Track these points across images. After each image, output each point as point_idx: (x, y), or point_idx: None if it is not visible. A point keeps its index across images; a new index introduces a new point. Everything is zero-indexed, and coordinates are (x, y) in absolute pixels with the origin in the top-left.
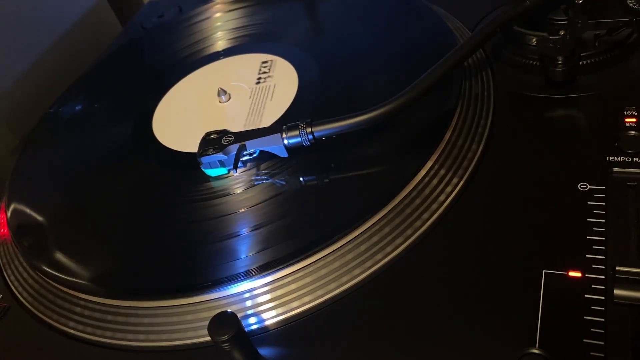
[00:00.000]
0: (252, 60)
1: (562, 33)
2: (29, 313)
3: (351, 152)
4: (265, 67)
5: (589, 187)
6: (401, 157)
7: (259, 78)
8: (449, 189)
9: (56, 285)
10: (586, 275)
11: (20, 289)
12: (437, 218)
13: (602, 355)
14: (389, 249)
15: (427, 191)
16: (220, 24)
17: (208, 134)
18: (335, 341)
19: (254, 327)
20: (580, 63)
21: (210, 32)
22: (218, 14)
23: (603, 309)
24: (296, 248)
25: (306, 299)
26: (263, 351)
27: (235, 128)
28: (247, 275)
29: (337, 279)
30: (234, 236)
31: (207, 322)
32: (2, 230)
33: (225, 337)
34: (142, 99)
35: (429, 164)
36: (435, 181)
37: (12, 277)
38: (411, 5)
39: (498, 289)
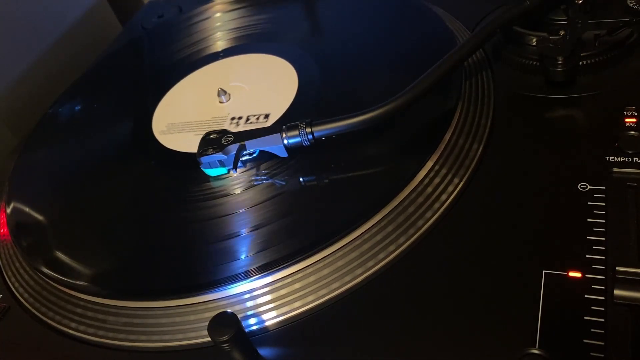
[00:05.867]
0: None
1: (562, 33)
2: (29, 313)
3: (351, 152)
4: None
5: (589, 187)
6: (402, 156)
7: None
8: (449, 188)
9: (56, 285)
10: (586, 275)
11: (20, 289)
12: (438, 218)
13: (602, 355)
14: (390, 248)
15: (428, 191)
16: (220, 24)
17: (208, 134)
18: (335, 341)
19: (254, 327)
20: (580, 63)
21: (210, 32)
22: (218, 14)
23: (603, 309)
24: (296, 248)
25: (306, 299)
26: (263, 351)
27: (234, 128)
28: (247, 275)
29: (337, 279)
30: (233, 236)
31: (207, 323)
32: (1, 230)
33: (225, 337)
34: (142, 99)
35: (430, 163)
36: (436, 181)
37: (12, 277)
38: (411, 5)
39: (498, 289)
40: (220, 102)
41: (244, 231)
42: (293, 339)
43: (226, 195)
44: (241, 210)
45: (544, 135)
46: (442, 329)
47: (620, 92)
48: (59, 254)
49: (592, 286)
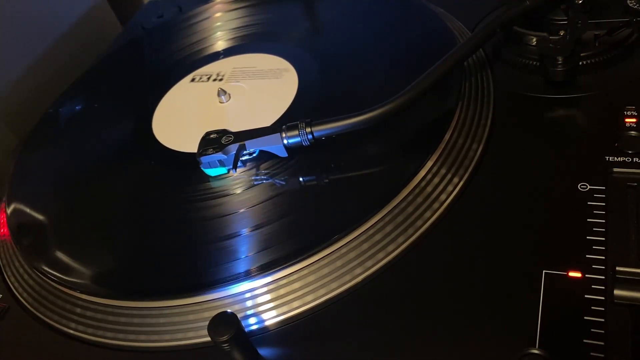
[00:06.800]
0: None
1: (562, 33)
2: (29, 313)
3: (351, 151)
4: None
5: (589, 187)
6: (401, 156)
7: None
8: (449, 188)
9: (56, 285)
10: (586, 275)
11: (20, 289)
12: (438, 218)
13: (602, 355)
14: (389, 248)
15: (427, 191)
16: (220, 24)
17: (208, 134)
18: (335, 341)
19: (254, 327)
20: (580, 63)
21: (210, 32)
22: (218, 14)
23: (603, 309)
24: (296, 248)
25: (306, 299)
26: (263, 351)
27: (235, 128)
28: (247, 275)
29: (337, 279)
30: (234, 236)
31: (207, 322)
32: (2, 230)
33: (225, 337)
34: (142, 99)
35: (429, 163)
36: (435, 181)
37: (12, 278)
38: (411, 5)
39: (498, 289)
40: (220, 102)
41: (244, 231)
42: (293, 339)
43: (226, 195)
44: (241, 210)
45: (543, 135)
46: (442, 329)
47: (620, 92)
48: (59, 254)
49: (592, 286)
